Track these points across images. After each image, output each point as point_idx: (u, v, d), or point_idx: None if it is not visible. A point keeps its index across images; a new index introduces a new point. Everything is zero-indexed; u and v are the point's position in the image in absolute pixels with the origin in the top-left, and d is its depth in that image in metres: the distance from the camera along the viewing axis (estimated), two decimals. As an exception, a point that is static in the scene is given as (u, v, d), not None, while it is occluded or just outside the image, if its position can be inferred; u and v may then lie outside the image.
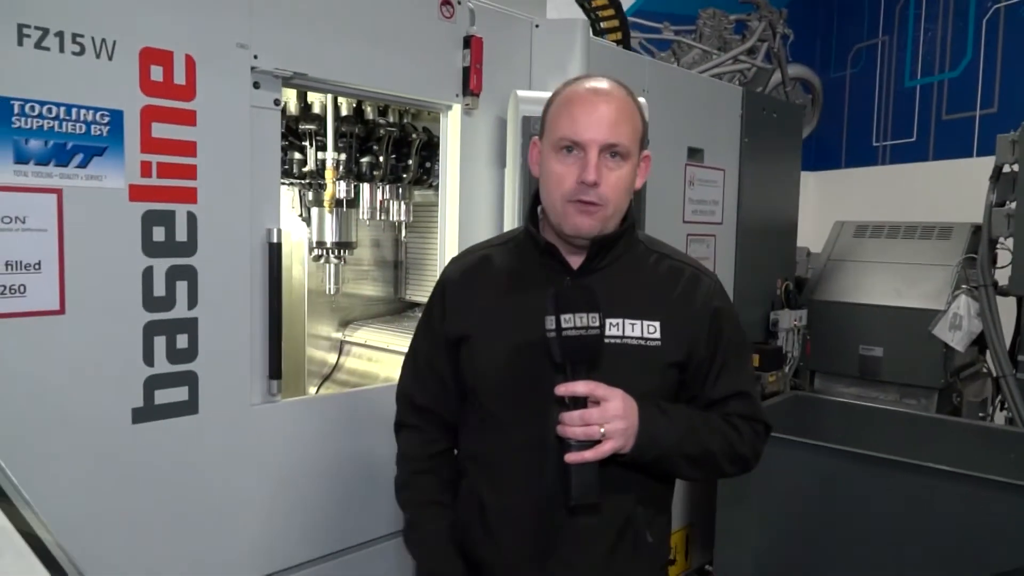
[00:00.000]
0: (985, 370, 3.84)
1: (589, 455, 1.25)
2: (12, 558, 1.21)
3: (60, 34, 1.41)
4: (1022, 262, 3.19)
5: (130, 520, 1.56)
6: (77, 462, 1.48)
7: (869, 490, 2.57)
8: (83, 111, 1.45)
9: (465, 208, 2.18)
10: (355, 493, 1.96)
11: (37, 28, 1.39)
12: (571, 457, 1.24)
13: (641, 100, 1.46)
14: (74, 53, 1.43)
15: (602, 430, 1.25)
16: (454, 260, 1.55)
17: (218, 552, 1.71)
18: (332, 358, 2.98)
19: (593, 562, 1.39)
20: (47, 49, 1.40)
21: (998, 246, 3.42)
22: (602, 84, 1.36)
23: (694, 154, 3.04)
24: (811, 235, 4.66)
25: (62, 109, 1.42)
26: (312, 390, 2.83)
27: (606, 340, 1.31)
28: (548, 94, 2.18)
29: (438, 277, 1.55)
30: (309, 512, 1.88)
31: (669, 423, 1.35)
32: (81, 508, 1.48)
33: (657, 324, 1.37)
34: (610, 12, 2.94)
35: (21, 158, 1.38)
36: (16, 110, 1.37)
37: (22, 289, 1.40)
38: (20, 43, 1.38)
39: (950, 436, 3.01)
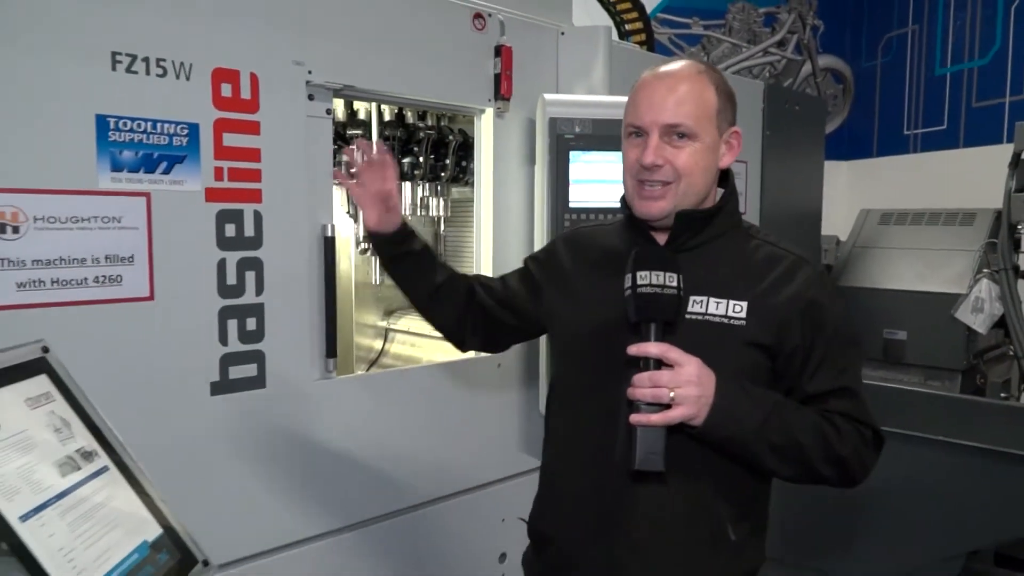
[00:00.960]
0: (1011, 352, 3.92)
1: (655, 418, 1.20)
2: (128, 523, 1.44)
3: (146, 59, 1.65)
4: (1041, 246, 3.29)
5: (207, 480, 1.79)
6: (164, 428, 1.72)
7: (882, 462, 2.71)
8: (166, 125, 1.68)
9: (498, 203, 2.38)
10: (400, 462, 2.17)
11: (127, 55, 1.62)
12: (636, 417, 1.21)
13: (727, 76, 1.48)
14: (158, 75, 1.66)
15: (672, 394, 1.20)
16: (567, 231, 1.67)
17: (280, 509, 1.94)
18: (378, 344, 3.20)
19: (659, 546, 1.33)
20: (136, 72, 1.63)
21: (1020, 231, 3.51)
22: (670, 67, 1.37)
23: (716, 148, 3.19)
24: (844, 224, 4.76)
25: (149, 124, 1.66)
26: (360, 372, 3.06)
27: (688, 316, 1.30)
28: (573, 97, 2.40)
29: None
30: (358, 477, 2.09)
31: (751, 403, 1.27)
32: (166, 469, 1.71)
33: (744, 304, 1.32)
34: (634, 15, 3.11)
35: (117, 167, 1.62)
36: (112, 126, 1.61)
37: (119, 279, 1.64)
38: (114, 68, 1.61)
39: (967, 414, 3.12)
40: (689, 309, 1.31)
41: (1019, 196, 3.39)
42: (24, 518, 1.16)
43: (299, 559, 1.98)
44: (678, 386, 1.21)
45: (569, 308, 1.46)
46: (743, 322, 1.32)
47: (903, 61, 6.01)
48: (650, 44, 3.26)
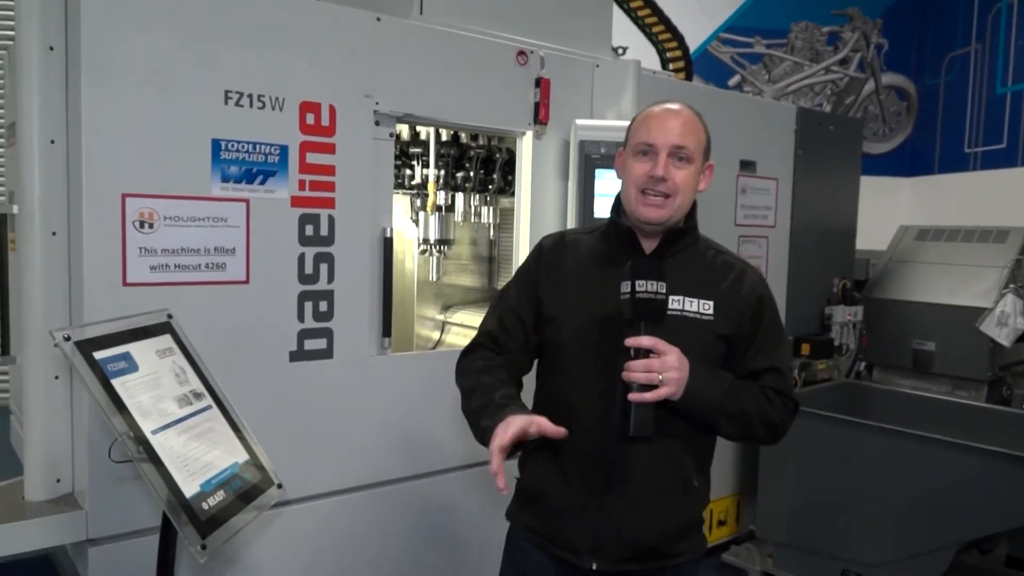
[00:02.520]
0: (1040, 366, 4.04)
1: (648, 396, 1.50)
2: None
3: (250, 96, 2.11)
4: (1064, 264, 3.44)
5: (282, 429, 2.23)
6: (252, 385, 2.17)
7: (884, 458, 2.95)
8: (263, 146, 2.15)
9: (535, 212, 2.76)
10: (445, 429, 2.57)
11: (236, 92, 2.09)
12: (633, 396, 1.51)
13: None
14: (258, 108, 2.13)
15: (660, 377, 1.50)
16: (549, 236, 1.82)
17: (341, 459, 2.37)
18: (436, 335, 3.63)
19: (649, 496, 1.64)
20: (242, 106, 2.10)
21: (1050, 249, 3.65)
22: (673, 105, 1.66)
23: (746, 166, 3.49)
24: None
25: (250, 145, 2.12)
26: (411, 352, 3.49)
27: (668, 312, 1.57)
28: (604, 122, 2.77)
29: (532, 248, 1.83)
30: (404, 438, 2.50)
31: (715, 381, 1.61)
32: (253, 415, 2.15)
33: (711, 303, 1.64)
34: (673, 44, 3.43)
35: (225, 179, 2.09)
36: (223, 147, 2.08)
37: (224, 266, 2.11)
38: (225, 103, 2.08)
39: (983, 421, 3.31)
40: (670, 307, 1.59)
41: (1045, 216, 3.54)
42: (155, 432, 1.62)
43: (352, 503, 2.41)
44: (664, 371, 1.51)
45: (574, 302, 1.68)
46: (711, 317, 1.65)
47: (966, 80, 6.09)
48: (688, 72, 3.57)
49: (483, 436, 1.56)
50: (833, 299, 3.95)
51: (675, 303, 1.62)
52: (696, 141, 1.63)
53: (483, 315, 1.86)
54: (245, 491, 1.79)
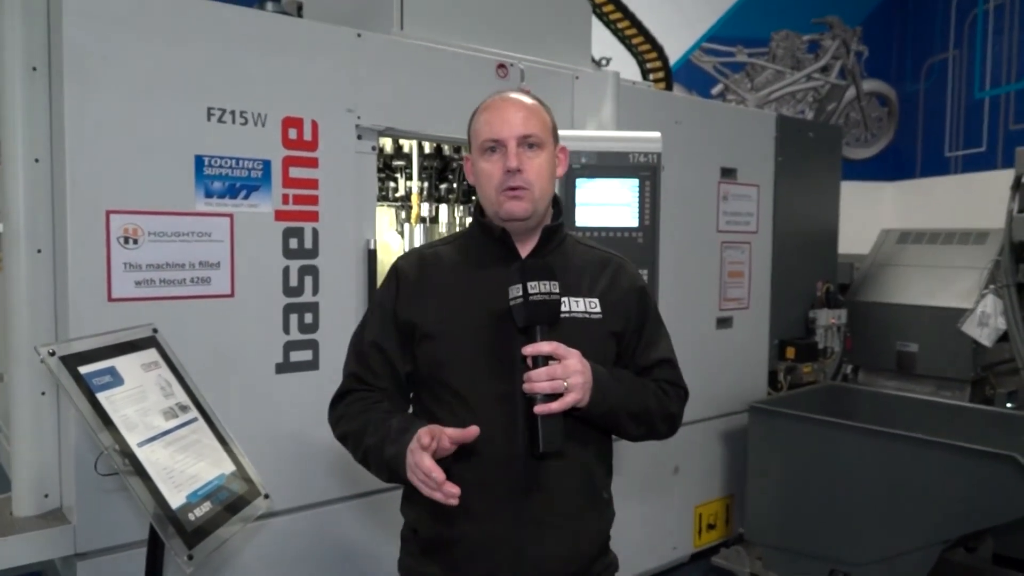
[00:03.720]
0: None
1: (555, 406, 1.39)
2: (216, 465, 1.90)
3: (232, 112, 2.14)
4: (1041, 264, 3.49)
5: (268, 441, 2.25)
6: (238, 397, 2.19)
7: (868, 458, 2.99)
8: (246, 161, 2.18)
9: (518, 222, 2.80)
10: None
11: (218, 108, 2.12)
12: (540, 408, 1.38)
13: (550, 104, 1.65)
14: (241, 124, 2.16)
15: (565, 383, 1.39)
16: (404, 257, 1.66)
17: (329, 470, 2.39)
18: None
19: (562, 520, 1.51)
20: (224, 122, 2.13)
21: (1027, 249, 3.70)
22: (511, 94, 1.58)
23: (727, 173, 3.54)
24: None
25: (233, 161, 2.15)
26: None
27: (560, 315, 1.46)
28: (584, 133, 2.80)
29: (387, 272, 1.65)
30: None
31: (616, 382, 1.51)
32: (238, 429, 2.17)
33: (596, 300, 1.56)
34: (653, 55, 3.48)
35: (209, 194, 2.12)
36: (206, 163, 2.11)
37: (209, 280, 2.13)
38: (208, 119, 2.11)
39: (967, 420, 3.35)
40: None
41: (1021, 217, 3.60)
42: (140, 445, 1.64)
43: (336, 514, 2.42)
44: (568, 376, 1.40)
45: (447, 324, 1.52)
46: (600, 315, 1.55)
47: (944, 85, 6.18)
48: (668, 82, 3.62)
49: (392, 465, 1.44)
50: (817, 303, 3.99)
51: (563, 304, 1.50)
52: (542, 125, 1.54)
53: None
54: (232, 502, 1.80)
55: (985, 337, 3.72)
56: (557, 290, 1.44)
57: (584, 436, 1.53)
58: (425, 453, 1.36)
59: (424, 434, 1.37)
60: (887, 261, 4.33)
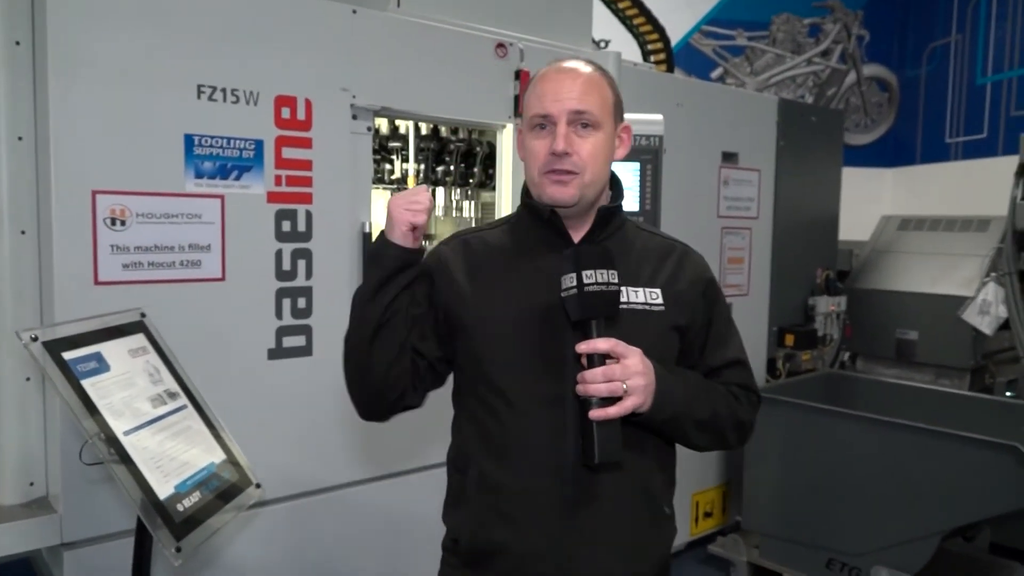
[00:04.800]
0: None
1: (613, 411, 1.23)
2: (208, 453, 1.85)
3: (224, 90, 2.08)
4: (1045, 252, 3.45)
5: (260, 428, 2.20)
6: (229, 384, 2.14)
7: (868, 447, 2.96)
8: (238, 141, 2.11)
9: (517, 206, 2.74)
10: (430, 424, 2.54)
11: (209, 86, 2.06)
12: (596, 413, 1.23)
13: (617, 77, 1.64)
14: (232, 102, 2.09)
15: (624, 386, 1.24)
16: (446, 242, 1.51)
17: (323, 458, 2.35)
18: (419, 331, 3.60)
19: (617, 535, 1.37)
20: (215, 100, 2.07)
21: (1030, 238, 3.67)
22: (567, 63, 1.39)
23: (728, 157, 3.48)
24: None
25: (225, 140, 2.09)
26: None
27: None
28: (583, 114, 2.71)
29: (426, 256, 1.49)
30: (387, 434, 2.47)
31: (682, 383, 1.36)
32: (228, 416, 2.12)
33: (658, 291, 1.39)
34: (655, 36, 3.42)
35: (199, 175, 2.05)
36: (196, 142, 2.04)
37: (199, 263, 2.07)
38: (199, 97, 2.04)
39: (966, 409, 3.32)
40: None
41: (1024, 204, 3.56)
42: (127, 433, 1.59)
43: (330, 502, 2.38)
44: (628, 378, 1.25)
45: (491, 313, 1.39)
46: (662, 307, 1.39)
47: (946, 70, 6.11)
48: (669, 64, 3.56)
49: (377, 253, 1.37)
50: (816, 290, 3.95)
51: (621, 295, 1.34)
52: (600, 101, 1.36)
53: None
54: (224, 490, 1.76)
55: (986, 325, 3.69)
56: (616, 279, 1.27)
57: (643, 443, 1.38)
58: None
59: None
60: (887, 248, 4.29)
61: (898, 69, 6.63)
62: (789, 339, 3.74)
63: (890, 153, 6.68)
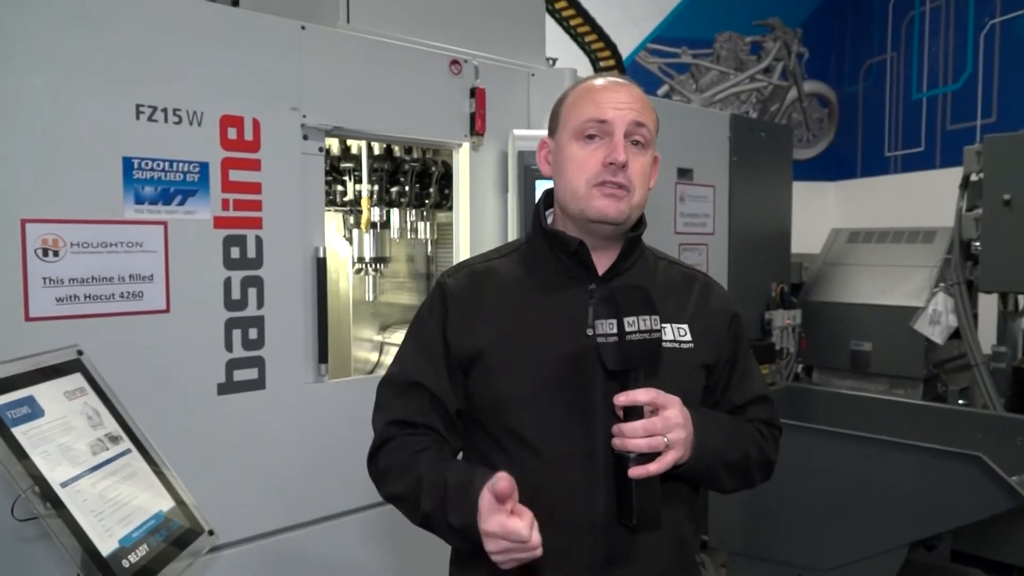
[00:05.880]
0: (971, 361, 4.15)
1: (655, 468, 1.14)
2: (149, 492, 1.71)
3: (165, 109, 1.95)
4: (989, 262, 3.53)
5: (212, 468, 2.06)
6: (177, 422, 2.00)
7: (834, 462, 2.95)
8: (181, 164, 1.99)
9: (475, 228, 2.66)
10: (388, 456, 2.44)
11: (149, 106, 1.93)
12: (636, 471, 1.13)
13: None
14: (174, 123, 1.97)
15: (666, 440, 1.15)
16: (451, 273, 1.39)
17: (279, 496, 2.21)
18: (374, 357, 3.48)
19: None
20: (156, 121, 1.94)
21: (975, 247, 3.75)
22: (618, 78, 1.33)
23: (684, 173, 3.47)
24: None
25: (167, 163, 1.96)
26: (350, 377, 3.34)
27: None
28: (539, 132, 2.67)
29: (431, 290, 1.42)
30: (347, 469, 2.34)
31: (716, 429, 1.28)
32: (179, 456, 1.98)
33: (686, 327, 1.31)
34: (607, 53, 3.40)
35: (139, 200, 1.92)
36: (135, 166, 1.91)
37: (140, 294, 1.93)
38: (137, 117, 1.92)
39: (921, 418, 3.35)
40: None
41: (970, 215, 3.63)
42: (64, 484, 1.45)
43: (290, 543, 2.24)
44: (670, 431, 1.16)
45: (510, 354, 1.28)
46: (691, 345, 1.30)
47: (883, 86, 6.29)
48: (622, 79, 3.54)
49: (465, 534, 1.17)
50: (772, 304, 3.97)
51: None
52: (654, 121, 1.31)
53: None
54: (177, 537, 1.63)
55: (937, 335, 3.75)
56: (658, 326, 1.16)
57: (676, 494, 1.29)
58: (502, 511, 1.09)
59: (503, 480, 1.09)
60: (838, 260, 4.35)
61: (837, 85, 6.81)
62: (748, 354, 3.73)
63: (831, 167, 6.83)
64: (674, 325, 1.31)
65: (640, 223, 1.35)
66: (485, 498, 1.12)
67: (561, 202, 1.33)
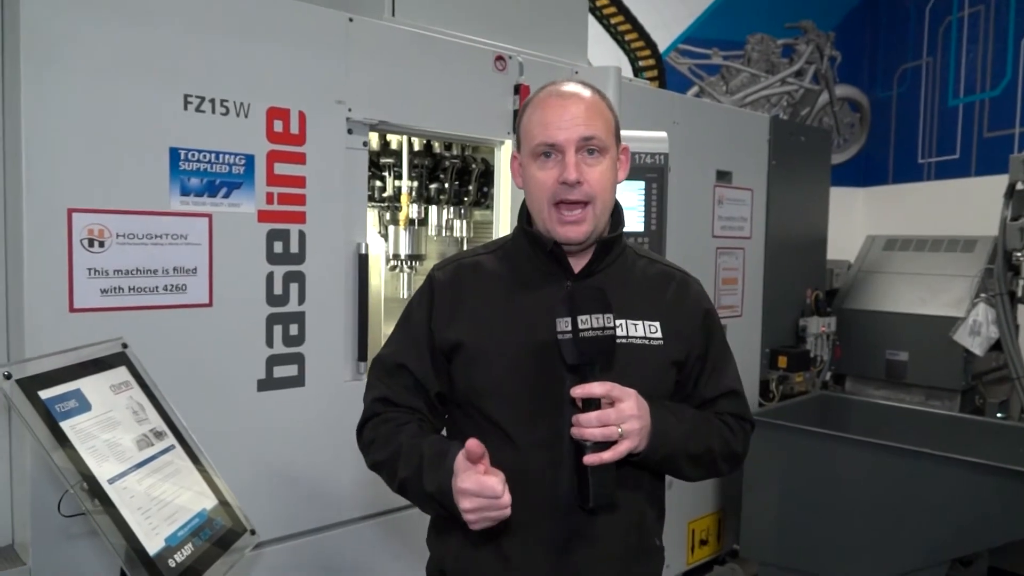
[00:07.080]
0: (1010, 374, 4.06)
1: (608, 456, 1.23)
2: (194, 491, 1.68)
3: (212, 100, 1.92)
4: (1035, 272, 3.45)
5: (251, 465, 2.04)
6: (218, 418, 1.96)
7: (874, 473, 2.89)
8: (227, 156, 1.95)
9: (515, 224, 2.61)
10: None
11: (197, 96, 1.90)
12: (590, 459, 1.22)
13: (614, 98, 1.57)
14: (222, 114, 1.94)
15: (620, 430, 1.23)
16: (440, 266, 1.48)
17: (319, 495, 2.18)
18: (404, 355, 3.44)
19: (609, 572, 1.37)
20: (203, 112, 1.91)
21: (1019, 257, 3.66)
22: (567, 86, 1.36)
23: (722, 176, 3.41)
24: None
25: (213, 155, 1.93)
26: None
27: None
28: (584, 130, 2.62)
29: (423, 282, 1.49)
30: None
31: (677, 421, 1.35)
32: (219, 452, 1.95)
33: (657, 324, 1.38)
34: (647, 52, 3.34)
35: (185, 192, 1.89)
36: (182, 157, 1.88)
37: (184, 287, 1.90)
38: (185, 108, 1.89)
39: (959, 431, 3.28)
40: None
41: (1014, 224, 3.55)
42: (111, 481, 1.42)
43: (326, 542, 2.21)
44: (624, 422, 1.24)
45: (487, 345, 1.37)
46: (661, 342, 1.38)
47: (918, 92, 6.18)
48: (661, 80, 3.49)
49: (440, 499, 1.26)
50: (807, 310, 3.90)
51: (618, 329, 1.32)
52: (605, 125, 1.33)
53: None
54: (220, 536, 1.60)
55: (977, 346, 3.67)
56: (612, 324, 1.25)
57: (636, 481, 1.38)
58: (476, 470, 1.20)
59: (473, 441, 1.20)
60: (874, 268, 4.27)
61: (869, 90, 6.70)
62: (782, 361, 3.67)
63: (862, 173, 6.73)
64: (646, 322, 1.38)
65: (619, 223, 1.42)
66: (460, 460, 1.23)
67: (533, 216, 1.40)
